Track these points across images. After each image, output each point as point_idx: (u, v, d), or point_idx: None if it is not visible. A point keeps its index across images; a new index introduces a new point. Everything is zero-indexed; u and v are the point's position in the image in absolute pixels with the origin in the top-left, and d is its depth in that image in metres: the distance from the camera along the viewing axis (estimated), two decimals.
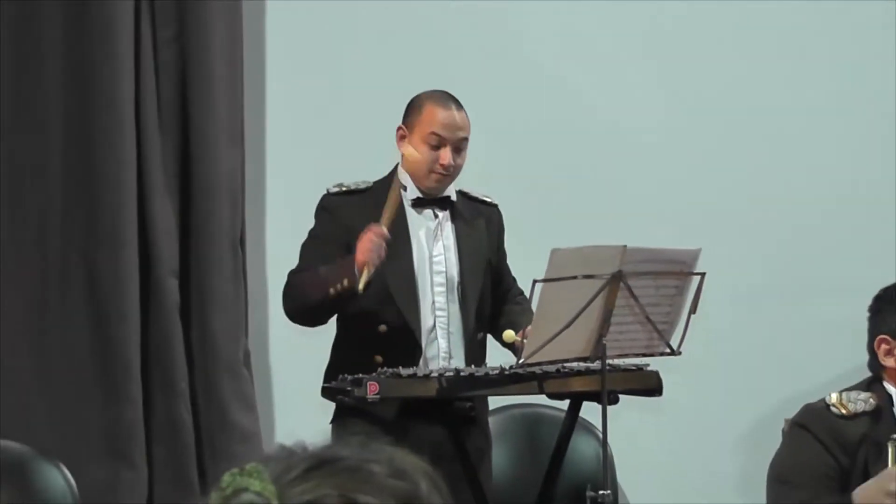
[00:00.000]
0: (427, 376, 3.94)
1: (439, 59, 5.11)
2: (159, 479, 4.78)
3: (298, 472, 1.23)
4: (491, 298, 4.25)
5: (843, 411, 3.75)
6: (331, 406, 4.11)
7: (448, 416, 4.04)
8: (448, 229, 4.19)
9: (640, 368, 4.14)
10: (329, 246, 4.11)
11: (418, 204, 4.18)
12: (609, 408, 3.95)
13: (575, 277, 3.81)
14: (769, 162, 5.37)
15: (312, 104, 5.12)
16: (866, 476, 3.69)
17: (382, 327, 4.08)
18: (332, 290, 3.98)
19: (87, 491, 4.50)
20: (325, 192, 4.20)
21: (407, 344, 4.05)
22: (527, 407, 4.81)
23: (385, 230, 3.96)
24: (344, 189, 4.18)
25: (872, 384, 3.84)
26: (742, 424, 5.32)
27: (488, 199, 4.34)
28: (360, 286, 3.92)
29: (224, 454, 4.80)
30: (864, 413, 3.76)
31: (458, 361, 4.11)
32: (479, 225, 4.26)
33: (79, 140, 4.75)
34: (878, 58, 5.39)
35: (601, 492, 3.99)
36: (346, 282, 3.94)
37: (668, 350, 4.01)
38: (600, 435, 4.04)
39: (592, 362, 3.96)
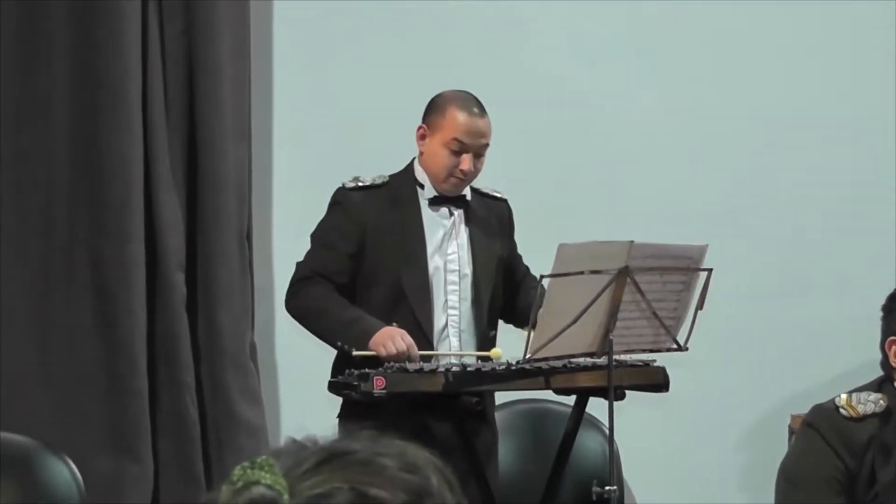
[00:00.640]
0: (434, 371, 3.94)
1: (446, 56, 5.11)
2: (165, 472, 4.79)
3: (309, 466, 1.23)
4: (506, 289, 4.24)
5: (852, 413, 3.68)
6: (337, 400, 4.10)
7: (455, 411, 4.04)
8: (462, 228, 4.17)
9: (646, 364, 4.14)
10: (339, 240, 4.10)
11: (434, 202, 4.15)
12: (615, 403, 3.95)
13: (582, 273, 3.81)
14: (771, 161, 5.38)
15: (319, 99, 5.12)
16: (873, 479, 3.65)
17: (394, 325, 4.05)
18: (338, 343, 4.02)
19: (93, 484, 4.50)
20: (340, 185, 4.15)
21: (418, 342, 4.02)
22: (533, 402, 4.80)
23: (417, 355, 3.96)
24: (360, 185, 4.13)
25: (884, 384, 3.74)
26: (748, 420, 5.33)
27: (498, 194, 4.32)
28: (356, 353, 3.94)
29: (230, 448, 4.80)
30: (873, 415, 3.68)
31: (469, 360, 4.11)
32: (492, 223, 4.24)
33: (86, 134, 4.74)
34: (879, 58, 5.39)
35: (607, 487, 3.99)
36: (353, 348, 3.96)
37: (674, 346, 4.00)
38: (606, 431, 4.05)
39: (599, 358, 3.96)
